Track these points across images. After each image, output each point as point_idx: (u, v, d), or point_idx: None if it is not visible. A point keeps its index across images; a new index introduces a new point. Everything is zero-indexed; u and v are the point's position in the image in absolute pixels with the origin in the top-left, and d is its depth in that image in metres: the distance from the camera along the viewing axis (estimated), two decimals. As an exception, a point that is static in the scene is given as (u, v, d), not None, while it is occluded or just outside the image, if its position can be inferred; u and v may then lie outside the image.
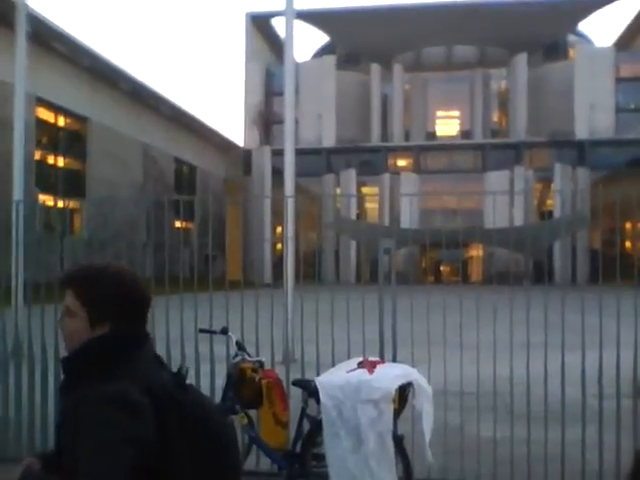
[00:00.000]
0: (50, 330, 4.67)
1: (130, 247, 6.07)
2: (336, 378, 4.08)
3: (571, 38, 55.40)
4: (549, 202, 49.93)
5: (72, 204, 36.27)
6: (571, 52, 53.47)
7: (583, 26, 56.44)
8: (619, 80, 50.37)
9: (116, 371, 1.51)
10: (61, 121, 36.24)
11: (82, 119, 36.68)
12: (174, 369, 1.69)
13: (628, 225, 34.37)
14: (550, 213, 46.58)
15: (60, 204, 35.49)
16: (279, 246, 38.63)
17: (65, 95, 34.02)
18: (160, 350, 4.60)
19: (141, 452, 1.40)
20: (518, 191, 44.91)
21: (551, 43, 53.90)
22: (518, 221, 43.85)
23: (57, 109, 34.90)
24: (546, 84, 51.42)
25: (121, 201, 30.52)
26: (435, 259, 47.11)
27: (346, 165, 50.03)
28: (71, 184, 35.68)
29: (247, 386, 4.23)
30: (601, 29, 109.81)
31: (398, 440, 4.08)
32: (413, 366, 4.41)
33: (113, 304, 1.58)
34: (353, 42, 54.33)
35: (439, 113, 56.69)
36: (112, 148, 37.81)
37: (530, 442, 4.78)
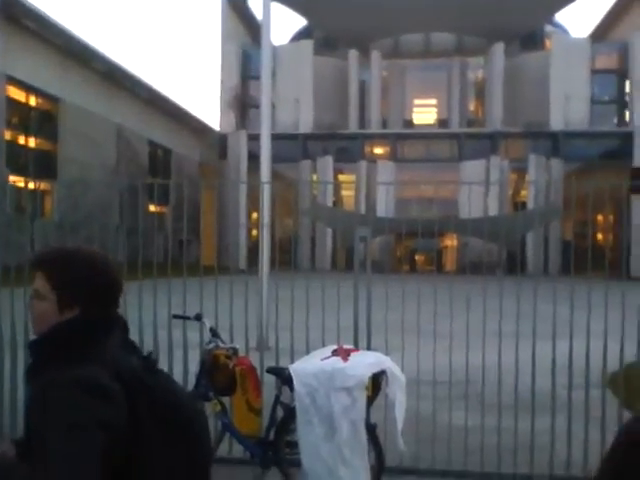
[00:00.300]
0: (20, 314, 4.58)
1: (102, 230, 5.95)
2: (310, 366, 4.07)
3: (548, 28, 55.76)
4: (523, 193, 50.48)
5: (43, 185, 35.61)
6: (547, 42, 53.85)
7: (560, 17, 56.88)
8: (594, 72, 50.94)
9: (85, 355, 1.49)
10: (32, 101, 35.45)
11: (54, 99, 35.93)
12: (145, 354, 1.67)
13: (600, 217, 35.00)
14: (524, 204, 47.12)
15: (31, 185, 34.83)
16: (255, 232, 38.47)
17: (36, 74, 33.28)
18: (133, 335, 4.54)
19: (112, 436, 1.37)
20: (493, 181, 45.32)
21: (528, 33, 54.19)
22: (493, 211, 44.27)
23: (28, 88, 34.12)
24: (522, 74, 51.78)
25: (93, 183, 30.05)
26: (410, 248, 47.47)
27: (323, 151, 49.90)
28: (42, 165, 34.98)
29: (220, 373, 4.21)
30: (577, 20, 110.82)
31: (371, 428, 4.10)
32: (387, 354, 4.42)
33: (83, 288, 1.56)
34: (331, 27, 53.96)
35: (416, 101, 56.79)
36: (85, 129, 37.15)
37: (500, 431, 4.84)
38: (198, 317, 4.61)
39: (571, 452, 4.74)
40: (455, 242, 48.49)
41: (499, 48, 51.59)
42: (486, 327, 4.93)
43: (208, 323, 4.58)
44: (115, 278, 1.63)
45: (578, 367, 4.88)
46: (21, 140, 34.71)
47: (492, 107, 52.34)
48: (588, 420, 4.77)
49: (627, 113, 51.69)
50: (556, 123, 49.31)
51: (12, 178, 31.54)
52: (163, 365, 5.05)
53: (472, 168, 47.06)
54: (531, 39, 54.44)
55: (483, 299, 5.00)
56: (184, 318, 4.74)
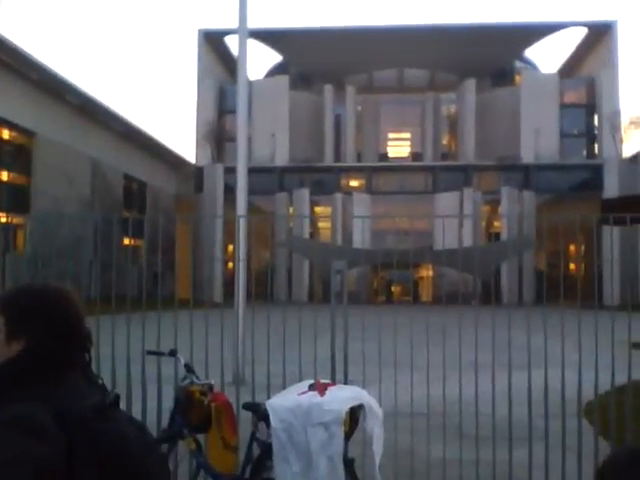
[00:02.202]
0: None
1: (75, 264, 5.87)
2: (287, 401, 4.02)
3: (518, 64, 57.38)
4: (497, 224, 51.20)
5: (16, 220, 35.11)
6: (517, 78, 55.34)
7: (529, 53, 58.61)
8: (563, 106, 52.37)
9: (27, 391, 1.45)
10: (6, 134, 35.20)
11: (28, 133, 35.73)
12: (118, 391, 1.62)
13: (572, 248, 35.57)
14: (498, 235, 47.74)
15: (3, 219, 34.33)
16: (231, 264, 38.28)
17: (11, 108, 33.12)
18: (105, 371, 4.47)
19: (43, 477, 1.32)
20: (467, 215, 45.90)
21: (498, 69, 55.69)
22: (467, 242, 44.77)
23: (2, 122, 33.90)
24: (494, 109, 52.99)
25: (67, 217, 29.74)
26: (386, 279, 47.62)
27: (299, 184, 50.20)
28: (15, 199, 34.58)
29: (195, 409, 4.13)
30: (546, 56, 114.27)
31: (348, 463, 4.04)
32: (364, 387, 4.40)
33: (31, 320, 1.53)
34: (306, 62, 54.84)
35: (391, 135, 57.70)
36: (59, 163, 36.91)
37: (479, 463, 4.82)
38: (172, 353, 4.54)
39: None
40: (431, 273, 48.78)
41: (471, 84, 52.83)
42: (462, 358, 4.94)
43: (183, 359, 4.51)
44: (71, 312, 1.58)
45: (554, 397, 4.90)
46: (-6, 174, 34.35)
47: (465, 141, 53.34)
48: (565, 450, 4.77)
49: (596, 146, 53.09)
50: (527, 156, 50.38)
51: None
52: (136, 401, 4.98)
53: (446, 200, 47.68)
54: (501, 75, 55.92)
55: (458, 330, 5.01)
56: (158, 354, 4.66)
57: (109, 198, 42.50)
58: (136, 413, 4.21)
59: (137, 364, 4.97)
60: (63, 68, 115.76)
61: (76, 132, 39.06)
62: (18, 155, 35.95)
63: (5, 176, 35.36)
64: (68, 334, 1.57)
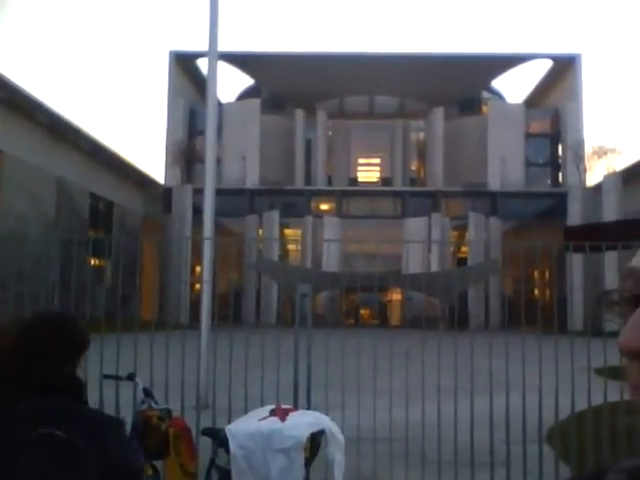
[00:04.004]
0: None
1: (37, 286, 5.74)
2: (247, 426, 3.96)
3: (485, 94, 58.74)
4: (464, 249, 51.85)
5: (-23, 238, 34.28)
6: (484, 108, 56.60)
7: (496, 83, 60.12)
8: (529, 135, 53.66)
9: None
10: (-31, 151, 34.51)
11: (-7, 150, 35.07)
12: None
13: (536, 274, 36.20)
14: (465, 260, 48.31)
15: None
16: (198, 286, 37.89)
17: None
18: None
19: None
20: (434, 241, 46.35)
21: (466, 98, 56.89)
22: (435, 267, 45.16)
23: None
24: (461, 137, 53.99)
25: (30, 236, 29.17)
26: (355, 302, 47.66)
27: (269, 206, 50.20)
28: (-23, 217, 33.79)
29: (152, 435, 4.03)
30: (512, 87, 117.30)
31: (309, 490, 3.99)
32: (327, 412, 4.36)
33: None
34: (277, 86, 55.26)
35: (361, 160, 58.26)
36: (23, 180, 36.24)
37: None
38: (131, 377, 4.44)
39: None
40: (400, 297, 49.02)
41: (439, 112, 53.81)
42: (426, 382, 4.94)
43: (141, 383, 4.41)
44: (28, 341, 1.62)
45: (516, 422, 4.92)
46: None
47: (433, 167, 54.14)
48: (526, 475, 4.79)
49: (560, 175, 54.39)
50: (493, 183, 51.32)
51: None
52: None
53: (415, 224, 48.15)
54: (469, 104, 57.12)
55: (422, 354, 5.02)
56: (116, 378, 4.55)
57: (75, 217, 41.83)
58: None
59: (94, 389, 4.84)
60: (30, 86, 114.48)
61: (42, 150, 38.47)
62: (-18, 172, 35.20)
63: (-33, 193, 34.57)
64: (23, 360, 1.60)
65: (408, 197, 51.96)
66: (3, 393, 1.56)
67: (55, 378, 1.63)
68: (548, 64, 55.23)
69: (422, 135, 57.46)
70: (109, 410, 4.86)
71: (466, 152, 53.08)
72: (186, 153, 50.92)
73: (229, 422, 4.29)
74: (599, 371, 5.28)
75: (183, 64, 54.24)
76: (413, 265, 43.95)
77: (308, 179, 54.39)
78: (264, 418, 3.96)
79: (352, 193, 53.83)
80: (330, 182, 55.52)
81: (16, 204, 35.31)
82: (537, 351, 4.90)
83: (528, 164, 53.52)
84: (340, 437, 4.03)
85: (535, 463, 4.82)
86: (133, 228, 48.20)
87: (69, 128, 41.90)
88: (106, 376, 4.61)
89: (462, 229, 50.26)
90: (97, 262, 39.05)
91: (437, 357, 4.97)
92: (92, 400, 4.87)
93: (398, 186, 54.65)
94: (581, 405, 5.02)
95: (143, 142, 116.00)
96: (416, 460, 5.11)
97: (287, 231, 52.39)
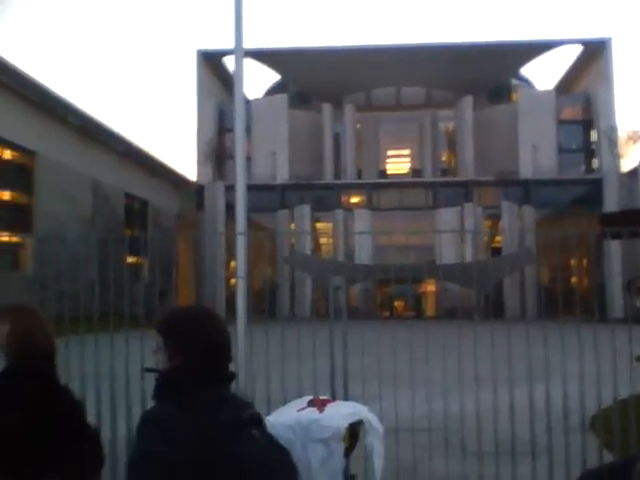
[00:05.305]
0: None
1: (76, 285, 5.88)
2: (286, 417, 4.00)
3: (514, 82, 57.79)
4: (498, 238, 51.21)
5: (17, 239, 35.20)
6: (514, 95, 55.69)
7: (525, 70, 59.10)
8: (561, 122, 52.63)
9: (174, 399, 1.68)
10: (7, 154, 35.38)
11: (29, 153, 35.90)
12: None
13: (573, 262, 35.60)
14: (499, 249, 47.74)
15: (4, 238, 34.41)
16: (233, 281, 38.27)
17: (12, 129, 33.30)
18: (104, 388, 4.44)
19: (167, 471, 1.53)
20: (467, 230, 45.92)
21: (495, 86, 56.05)
22: (469, 257, 44.73)
23: (3, 142, 34.09)
24: (491, 125, 53.24)
25: (69, 238, 29.79)
26: (389, 294, 47.49)
27: (300, 201, 50.32)
28: (17, 219, 34.68)
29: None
30: (542, 73, 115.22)
31: (350, 479, 4.00)
32: (364, 403, 4.37)
33: (186, 340, 1.79)
34: (304, 81, 55.24)
35: (390, 152, 57.92)
36: (60, 183, 37.04)
37: (482, 478, 4.77)
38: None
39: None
40: (435, 288, 48.71)
41: (468, 101, 53.15)
42: (464, 373, 4.92)
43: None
44: (218, 332, 1.82)
45: (556, 411, 4.86)
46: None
47: (464, 156, 53.53)
48: (569, 464, 4.73)
49: (594, 161, 53.26)
50: (526, 171, 50.52)
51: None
52: (135, 418, 4.93)
53: (447, 215, 47.74)
54: (498, 92, 56.29)
55: (459, 344, 5.00)
56: (156, 371, 4.63)
57: (111, 217, 42.58)
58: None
59: (136, 382, 4.94)
60: (64, 89, 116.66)
61: (77, 152, 39.25)
62: (20, 175, 36.09)
63: (7, 195, 35.47)
64: (216, 352, 1.81)
65: (439, 188, 51.52)
66: (206, 381, 1.74)
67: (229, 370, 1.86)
68: (578, 49, 54.04)
69: (451, 125, 56.83)
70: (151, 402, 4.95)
71: (497, 140, 52.35)
72: (216, 151, 51.36)
73: (268, 413, 4.34)
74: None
75: (210, 62, 54.60)
76: (447, 256, 43.59)
77: (338, 173, 54.33)
78: (302, 409, 3.99)
79: (382, 185, 53.59)
80: (360, 175, 55.36)
81: (53, 205, 36.10)
82: (576, 339, 4.83)
83: (561, 151, 52.51)
84: (379, 427, 4.04)
85: (578, 452, 4.76)
86: (167, 226, 48.86)
87: (102, 130, 42.66)
88: (147, 369, 4.70)
89: (495, 218, 49.64)
90: (134, 260, 39.62)
91: (474, 347, 4.94)
92: (135, 393, 4.99)
93: (428, 177, 54.22)
94: (623, 393, 4.93)
95: (174, 141, 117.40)
96: (456, 450, 5.10)
97: (318, 225, 52.48)
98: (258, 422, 1.77)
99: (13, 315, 2.84)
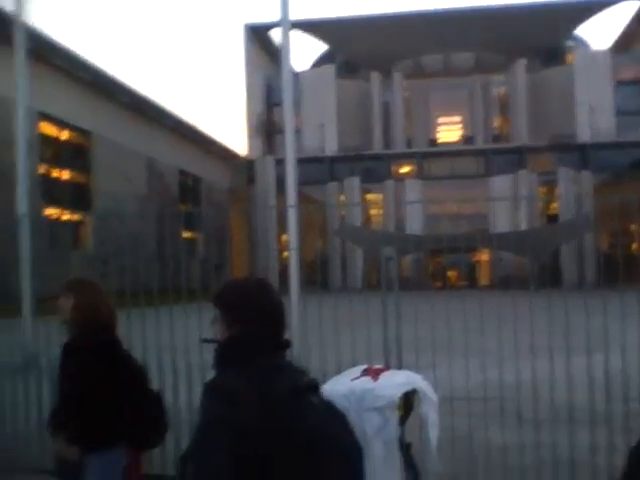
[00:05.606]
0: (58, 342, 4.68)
1: (136, 260, 6.09)
2: (341, 386, 4.05)
3: (569, 43, 55.52)
4: (554, 206, 49.88)
5: (77, 217, 36.47)
6: (569, 56, 53.55)
7: (580, 31, 56.61)
8: (618, 83, 50.38)
9: (236, 366, 1.74)
10: (64, 135, 36.45)
11: (85, 133, 36.89)
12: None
13: (634, 227, 34.36)
14: (555, 217, 46.54)
15: (65, 217, 35.72)
16: (285, 254, 38.68)
17: (68, 110, 34.24)
18: (166, 360, 4.60)
19: (235, 435, 1.59)
20: (521, 196, 44.86)
21: (549, 48, 53.99)
22: (524, 225, 43.80)
23: (60, 123, 35.10)
24: (546, 88, 51.46)
25: (126, 214, 30.64)
26: (442, 264, 47.05)
27: (349, 173, 50.13)
28: (77, 197, 35.87)
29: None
30: (598, 33, 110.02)
31: (405, 448, 4.05)
32: (418, 372, 4.39)
33: (243, 310, 1.86)
34: (352, 51, 54.53)
35: (440, 119, 56.82)
36: (116, 161, 38.00)
37: (539, 447, 4.75)
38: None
39: (613, 466, 4.62)
40: (488, 257, 48.00)
41: (520, 64, 51.47)
42: (519, 342, 4.87)
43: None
44: (273, 302, 1.88)
45: (615, 381, 4.78)
46: (55, 173, 35.63)
47: (517, 122, 52.04)
48: (630, 432, 4.66)
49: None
50: (583, 135, 48.77)
51: (48, 211, 32.36)
52: (195, 387, 5.12)
53: (500, 183, 46.72)
54: (552, 54, 54.23)
55: (515, 314, 4.94)
56: (214, 342, 4.77)
57: (165, 194, 43.50)
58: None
59: (196, 353, 5.11)
60: (114, 68, 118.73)
61: (131, 131, 40.10)
62: (78, 155, 37.18)
63: (67, 175, 36.66)
64: (272, 321, 1.86)
65: (491, 155, 50.34)
66: (263, 349, 1.80)
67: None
68: (635, 6, 51.35)
69: (503, 89, 55.21)
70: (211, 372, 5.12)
71: (551, 104, 50.59)
72: (266, 125, 51.52)
73: (323, 383, 4.41)
74: None
75: (258, 36, 54.50)
76: (500, 224, 42.75)
77: (387, 143, 53.74)
78: (356, 378, 4.04)
79: (433, 154, 52.75)
80: (409, 144, 54.63)
81: (110, 184, 37.13)
82: (637, 308, 4.70)
83: (619, 113, 50.30)
84: (433, 396, 4.06)
85: (638, 420, 4.68)
86: (220, 201, 49.58)
87: (154, 108, 43.36)
88: (205, 340, 4.84)
89: (551, 185, 48.27)
90: (189, 235, 40.64)
91: (530, 317, 4.88)
92: (195, 363, 5.16)
93: (480, 144, 53.01)
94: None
95: (224, 116, 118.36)
96: (512, 419, 5.09)
97: (368, 196, 52.23)
98: (315, 388, 1.81)
99: (77, 290, 2.98)
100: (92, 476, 2.79)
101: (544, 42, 52.74)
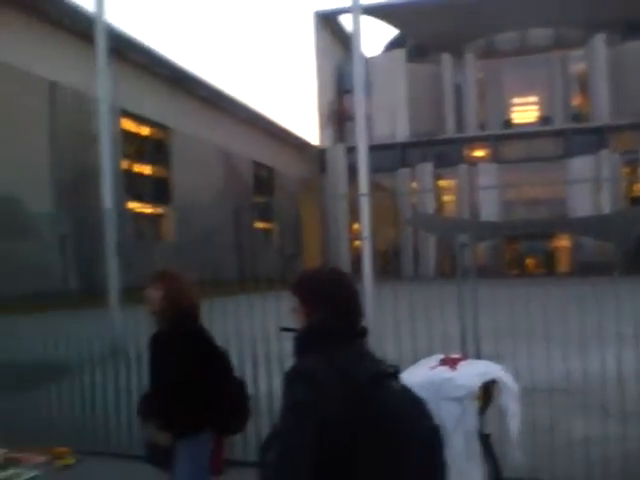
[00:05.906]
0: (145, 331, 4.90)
1: (215, 251, 6.28)
2: (418, 376, 4.05)
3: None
4: (638, 187, 47.42)
5: (159, 210, 37.85)
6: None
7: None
8: None
9: (317, 353, 1.76)
10: (145, 131, 37.74)
11: (164, 128, 38.05)
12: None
13: None
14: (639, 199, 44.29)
15: (148, 210, 37.15)
16: (357, 243, 38.71)
17: (147, 105, 35.36)
18: (247, 348, 4.72)
19: (319, 421, 1.62)
20: (603, 178, 42.90)
21: (629, 20, 51.08)
22: (607, 208, 41.92)
23: (140, 119, 36.35)
24: (627, 63, 48.81)
25: (205, 206, 31.48)
26: (519, 251, 45.77)
27: (421, 159, 49.44)
28: (158, 191, 37.17)
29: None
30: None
31: (484, 439, 4.01)
32: (497, 362, 4.32)
33: (321, 299, 1.88)
34: (422, 33, 53.55)
35: (515, 100, 54.98)
36: (193, 155, 39.01)
37: (625, 440, 4.59)
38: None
39: None
40: (568, 243, 46.28)
41: (600, 38, 49.04)
42: (603, 330, 4.71)
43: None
44: (350, 292, 1.91)
45: None
46: (137, 168, 37.00)
47: (598, 100, 49.70)
48: None
49: None
50: (669, 111, 46.02)
51: (131, 205, 33.73)
52: (274, 376, 5.24)
53: (580, 164, 44.83)
54: (634, 26, 51.26)
55: (598, 302, 4.77)
56: (293, 330, 4.86)
57: (240, 186, 44.32)
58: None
59: (274, 342, 5.23)
60: (188, 62, 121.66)
61: (206, 124, 41.03)
62: (158, 150, 38.43)
63: (148, 170, 38.03)
64: (349, 310, 1.88)
65: (571, 135, 48.34)
66: (342, 337, 1.83)
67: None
68: None
69: (583, 66, 52.76)
70: (289, 361, 5.22)
71: (634, 80, 47.91)
72: (337, 113, 51.50)
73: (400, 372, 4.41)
74: None
75: (327, 23, 54.41)
76: (581, 208, 41.05)
77: (460, 126, 52.59)
78: (434, 367, 4.02)
79: (508, 136, 51.19)
80: (483, 127, 53.23)
81: (188, 177, 38.21)
82: None
83: None
84: (514, 386, 3.99)
85: None
86: (293, 191, 50.00)
87: (228, 100, 44.16)
88: (284, 329, 4.95)
89: (634, 165, 45.88)
90: (264, 226, 41.28)
91: (615, 303, 4.69)
92: (274, 351, 5.28)
93: (559, 124, 50.97)
94: None
95: (295, 105, 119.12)
96: (596, 411, 4.93)
97: (441, 182, 51.36)
98: (395, 375, 1.82)
99: (165, 281, 3.11)
100: (182, 461, 2.92)
101: (624, 14, 49.94)
